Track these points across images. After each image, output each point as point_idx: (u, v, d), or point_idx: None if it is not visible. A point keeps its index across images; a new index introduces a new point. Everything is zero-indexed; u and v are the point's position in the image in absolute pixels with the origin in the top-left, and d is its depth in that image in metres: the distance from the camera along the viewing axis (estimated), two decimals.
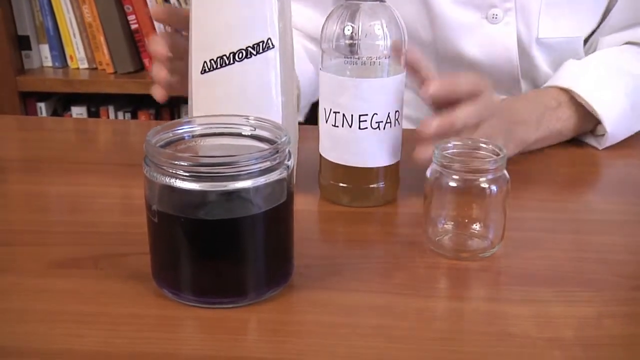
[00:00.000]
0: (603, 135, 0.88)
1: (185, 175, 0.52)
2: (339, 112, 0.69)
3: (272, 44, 0.67)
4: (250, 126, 0.60)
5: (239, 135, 0.60)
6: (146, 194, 0.56)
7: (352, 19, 0.68)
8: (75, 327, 0.54)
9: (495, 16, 0.96)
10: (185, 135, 0.59)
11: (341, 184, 0.73)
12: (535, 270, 0.63)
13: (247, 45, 0.67)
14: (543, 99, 0.86)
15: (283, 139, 0.56)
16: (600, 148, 0.89)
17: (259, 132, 0.59)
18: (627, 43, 0.94)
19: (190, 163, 0.53)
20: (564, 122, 0.86)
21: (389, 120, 0.69)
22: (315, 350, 0.52)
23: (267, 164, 0.54)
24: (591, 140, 0.91)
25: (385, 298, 0.58)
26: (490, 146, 0.64)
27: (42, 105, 2.05)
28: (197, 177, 0.52)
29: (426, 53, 1.02)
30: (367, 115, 0.68)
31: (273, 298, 0.58)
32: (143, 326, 0.54)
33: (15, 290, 0.59)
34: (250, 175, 0.53)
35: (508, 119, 0.80)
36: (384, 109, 0.69)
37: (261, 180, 0.53)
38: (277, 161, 0.55)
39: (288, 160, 0.56)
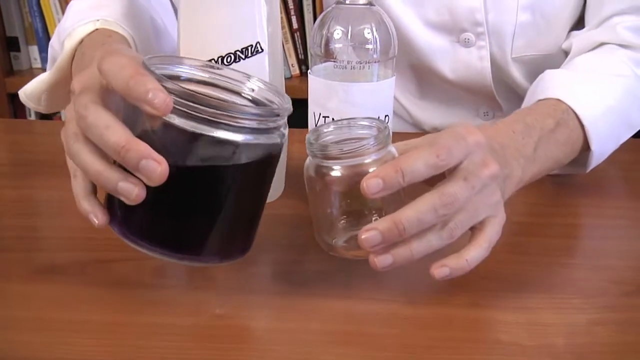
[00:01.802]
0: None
1: (177, 108, 0.49)
2: (328, 117, 0.69)
3: (260, 48, 0.66)
4: (252, 88, 0.58)
5: (238, 94, 0.59)
6: (125, 118, 0.51)
7: (342, 23, 0.67)
8: (61, 335, 0.53)
9: (467, 40, 0.95)
10: (182, 74, 0.57)
11: None
12: (525, 276, 0.62)
13: (235, 50, 0.66)
14: (538, 120, 0.71)
15: (286, 106, 0.54)
16: (586, 171, 0.79)
17: (262, 94, 0.58)
18: (602, 44, 0.88)
19: (188, 96, 0.49)
20: (562, 146, 0.73)
21: None
22: (302, 357, 0.51)
23: (264, 125, 0.51)
24: (572, 169, 0.79)
25: (374, 305, 0.58)
26: (375, 123, 0.60)
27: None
28: (187, 114, 0.49)
29: (403, 72, 1.02)
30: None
31: (259, 304, 0.58)
32: (130, 334, 0.53)
33: (0, 297, 0.58)
34: (242, 130, 0.50)
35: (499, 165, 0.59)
36: (373, 114, 0.68)
37: (250, 139, 0.51)
38: (274, 125, 0.52)
39: (284, 129, 0.54)
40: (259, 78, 0.59)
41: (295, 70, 1.97)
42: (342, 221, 0.60)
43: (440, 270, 0.56)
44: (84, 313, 0.56)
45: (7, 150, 0.97)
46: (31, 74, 2.02)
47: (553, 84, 0.78)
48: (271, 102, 0.58)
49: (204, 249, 0.54)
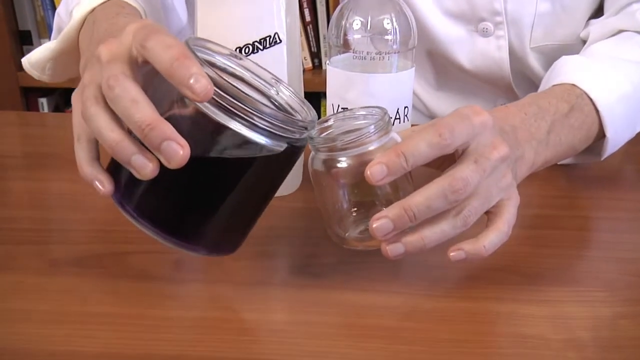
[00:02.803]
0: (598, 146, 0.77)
1: (212, 97, 0.47)
2: (347, 108, 0.68)
3: (279, 38, 0.66)
4: (279, 92, 0.58)
5: (266, 96, 0.58)
6: (152, 95, 0.49)
7: (361, 13, 0.66)
8: (78, 328, 0.53)
9: (485, 30, 0.94)
10: (218, 62, 0.56)
11: None
12: (547, 269, 0.61)
13: (253, 40, 0.65)
14: (551, 104, 0.70)
15: (311, 119, 0.54)
16: (601, 159, 0.78)
17: (289, 101, 0.58)
18: (620, 31, 0.87)
19: (228, 89, 0.48)
20: (576, 131, 0.71)
21: (398, 116, 0.68)
22: (322, 351, 0.51)
23: (290, 134, 0.51)
24: (587, 157, 0.78)
25: (394, 298, 0.57)
26: (374, 110, 0.59)
27: (43, 101, 2.04)
28: (220, 106, 0.48)
29: (420, 62, 1.01)
30: None
31: (276, 297, 0.57)
32: (148, 327, 0.53)
33: (17, 290, 0.58)
34: (269, 134, 0.50)
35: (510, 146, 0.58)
36: (393, 105, 0.67)
37: (272, 144, 0.50)
38: (299, 136, 0.52)
39: (306, 140, 0.54)
40: (287, 85, 0.59)
41: (308, 64, 1.96)
42: (353, 213, 0.59)
43: (457, 253, 0.55)
44: (100, 306, 0.56)
45: (20, 143, 0.97)
46: None
47: (568, 69, 0.77)
48: (294, 110, 0.58)
49: (198, 238, 0.53)
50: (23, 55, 1.99)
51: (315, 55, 1.96)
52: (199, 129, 0.50)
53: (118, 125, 0.50)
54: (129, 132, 0.50)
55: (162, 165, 0.48)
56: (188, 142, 0.47)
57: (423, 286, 0.58)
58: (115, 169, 0.53)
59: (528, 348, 0.51)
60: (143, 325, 0.53)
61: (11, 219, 0.70)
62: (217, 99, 0.48)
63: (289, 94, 0.59)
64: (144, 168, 0.48)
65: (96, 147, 0.55)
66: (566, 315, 0.55)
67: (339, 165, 0.56)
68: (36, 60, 0.82)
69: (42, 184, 0.80)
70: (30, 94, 2.03)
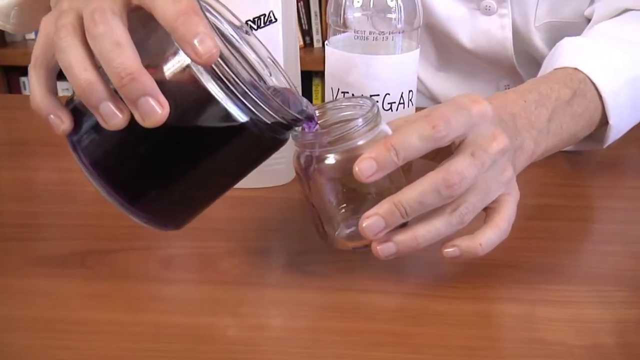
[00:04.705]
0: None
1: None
2: (347, 92, 0.64)
3: (274, 17, 0.61)
4: (274, 79, 0.54)
5: (259, 77, 0.53)
6: (139, 44, 0.44)
7: None
8: (59, 337, 0.49)
9: (488, 8, 0.90)
10: (222, 28, 0.52)
11: None
12: (564, 266, 0.58)
13: (247, 19, 0.61)
14: (553, 90, 0.65)
15: (301, 117, 0.50)
16: (603, 147, 0.73)
17: (282, 94, 0.53)
18: (626, 10, 0.83)
19: (231, 62, 0.44)
20: (578, 118, 0.67)
21: (402, 101, 0.64)
22: None
23: (278, 125, 0.47)
24: (588, 144, 0.74)
25: (401, 300, 0.53)
26: (362, 101, 0.56)
27: (25, 80, 1.99)
28: (216, 76, 0.44)
29: (422, 40, 0.97)
30: (378, 95, 0.63)
31: (278, 300, 0.53)
32: (135, 336, 0.49)
33: None
34: (257, 119, 0.46)
35: (509, 136, 0.55)
36: (396, 89, 0.63)
37: (255, 130, 0.46)
38: (286, 129, 0.48)
39: (289, 135, 0.50)
40: (286, 74, 0.55)
41: (299, 42, 1.91)
42: (342, 211, 0.55)
43: (451, 250, 0.52)
44: (83, 311, 0.51)
45: (2, 128, 0.92)
46: (25, 45, 1.97)
47: (570, 52, 0.73)
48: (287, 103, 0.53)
49: (146, 205, 0.49)
50: (3, 32, 1.95)
51: (307, 32, 1.91)
52: (183, 92, 0.45)
53: (92, 64, 0.44)
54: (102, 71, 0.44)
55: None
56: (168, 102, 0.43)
57: (430, 286, 0.55)
58: (76, 108, 0.48)
59: (549, 356, 0.47)
60: (129, 333, 0.49)
61: None
62: (214, 67, 0.44)
63: (283, 81, 0.54)
64: (112, 118, 0.43)
65: (54, 77, 0.49)
66: (588, 318, 0.51)
67: (326, 161, 0.52)
68: None
69: (25, 173, 0.75)
70: (11, 72, 1.98)
